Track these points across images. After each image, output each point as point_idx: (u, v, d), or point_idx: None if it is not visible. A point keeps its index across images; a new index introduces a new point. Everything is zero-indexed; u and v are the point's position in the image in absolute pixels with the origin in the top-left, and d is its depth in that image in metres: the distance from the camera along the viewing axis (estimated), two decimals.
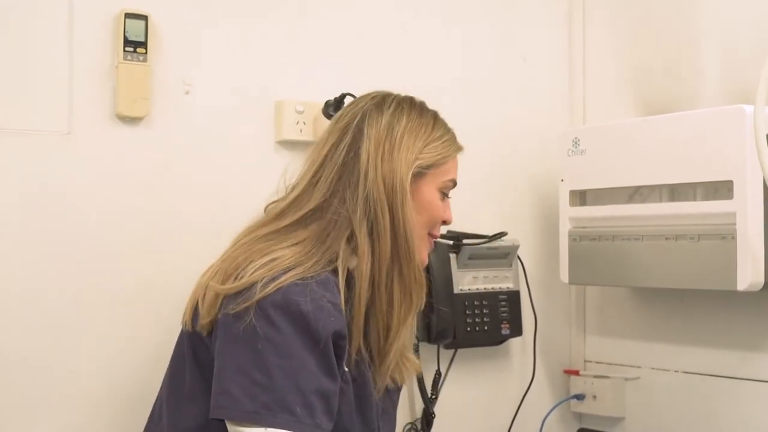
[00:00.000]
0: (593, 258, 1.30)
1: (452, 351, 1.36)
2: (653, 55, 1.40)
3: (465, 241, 1.33)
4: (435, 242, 1.14)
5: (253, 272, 0.86)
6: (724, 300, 1.28)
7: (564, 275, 1.35)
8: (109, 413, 1.10)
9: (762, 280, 1.13)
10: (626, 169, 1.27)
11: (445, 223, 0.99)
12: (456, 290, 1.32)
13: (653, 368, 1.39)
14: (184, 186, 1.16)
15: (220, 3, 1.20)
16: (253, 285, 0.85)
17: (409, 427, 1.33)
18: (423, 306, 0.98)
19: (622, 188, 1.29)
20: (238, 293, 0.86)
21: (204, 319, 0.89)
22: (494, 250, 1.35)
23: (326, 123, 1.08)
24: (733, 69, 1.28)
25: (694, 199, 1.21)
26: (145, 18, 1.11)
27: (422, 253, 0.95)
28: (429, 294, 1.14)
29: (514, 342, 1.43)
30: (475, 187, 1.38)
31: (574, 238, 1.33)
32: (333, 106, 1.21)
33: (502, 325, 1.35)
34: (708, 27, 1.31)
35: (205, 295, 0.89)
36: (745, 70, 1.24)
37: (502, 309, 1.35)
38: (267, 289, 0.84)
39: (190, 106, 1.17)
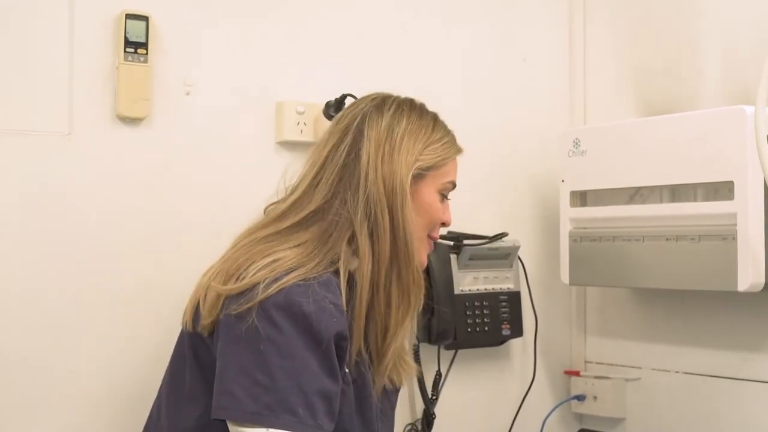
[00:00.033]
0: (594, 259, 1.30)
1: (453, 352, 1.36)
2: (653, 55, 1.40)
3: (465, 241, 1.33)
4: (435, 243, 1.14)
5: (255, 273, 0.86)
6: (725, 301, 1.28)
7: (564, 276, 1.35)
8: (109, 413, 1.10)
9: (763, 280, 1.13)
10: (627, 169, 1.27)
11: (444, 225, 0.99)
12: (456, 291, 1.32)
13: (654, 369, 1.39)
14: (184, 186, 1.16)
15: (221, 3, 1.20)
16: (255, 286, 0.85)
17: (409, 427, 1.33)
18: (421, 307, 0.97)
19: (623, 189, 1.29)
20: (240, 294, 0.86)
21: (205, 320, 0.89)
22: (495, 251, 1.35)
23: (327, 124, 1.08)
24: (734, 69, 1.28)
25: (695, 200, 1.21)
26: (145, 19, 1.11)
27: (421, 255, 0.95)
28: (427, 295, 1.14)
29: (515, 343, 1.42)
30: (475, 187, 1.38)
31: (575, 238, 1.33)
32: (334, 107, 1.21)
33: (503, 326, 1.35)
34: (708, 27, 1.31)
35: (206, 295, 0.89)
36: (746, 70, 1.23)
37: (503, 310, 1.35)
38: (269, 290, 0.84)
39: (190, 107, 1.17)
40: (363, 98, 1.00)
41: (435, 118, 0.98)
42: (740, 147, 1.12)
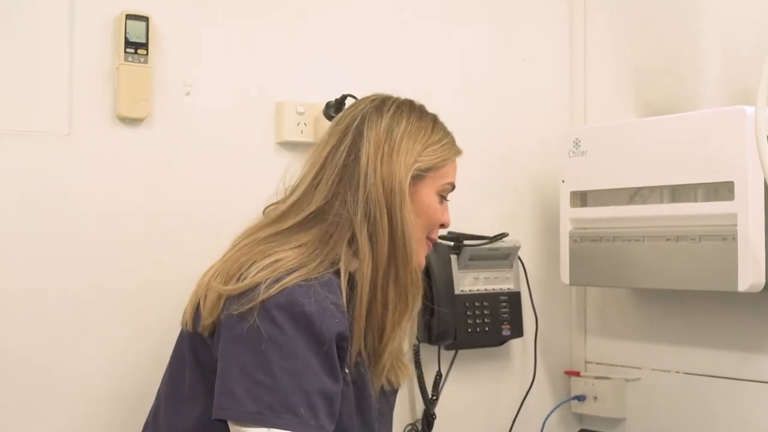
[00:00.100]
0: (594, 259, 1.30)
1: (453, 352, 1.36)
2: (653, 55, 1.40)
3: (466, 242, 1.33)
4: (435, 243, 1.14)
5: (257, 273, 0.86)
6: (725, 301, 1.28)
7: (565, 276, 1.35)
8: (109, 413, 1.10)
9: (763, 281, 1.13)
10: (627, 169, 1.27)
11: (443, 226, 0.99)
12: (457, 291, 1.32)
13: (654, 369, 1.39)
14: (184, 186, 1.16)
15: (221, 3, 1.20)
16: (256, 286, 0.85)
17: (409, 428, 1.32)
18: (419, 309, 0.97)
19: (623, 189, 1.29)
20: (242, 294, 0.86)
21: (206, 320, 0.88)
22: (495, 251, 1.35)
23: (327, 124, 1.08)
24: (734, 69, 1.28)
25: (695, 200, 1.21)
26: (146, 19, 1.11)
27: (419, 256, 0.95)
28: (426, 296, 1.14)
29: (515, 343, 1.42)
30: (475, 187, 1.38)
31: (575, 239, 1.33)
32: (334, 107, 1.21)
33: (503, 326, 1.35)
34: (708, 27, 1.31)
35: (206, 296, 0.89)
36: (746, 70, 1.23)
37: (503, 310, 1.35)
38: (271, 290, 0.84)
39: (190, 107, 1.16)
40: (363, 99, 1.00)
41: (434, 119, 0.98)
42: (740, 147, 1.12)
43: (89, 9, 1.10)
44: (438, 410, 1.33)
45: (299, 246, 0.89)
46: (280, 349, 0.83)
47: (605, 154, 1.30)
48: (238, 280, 0.87)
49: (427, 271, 1.27)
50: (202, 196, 1.17)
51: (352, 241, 0.91)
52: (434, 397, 1.33)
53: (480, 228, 1.36)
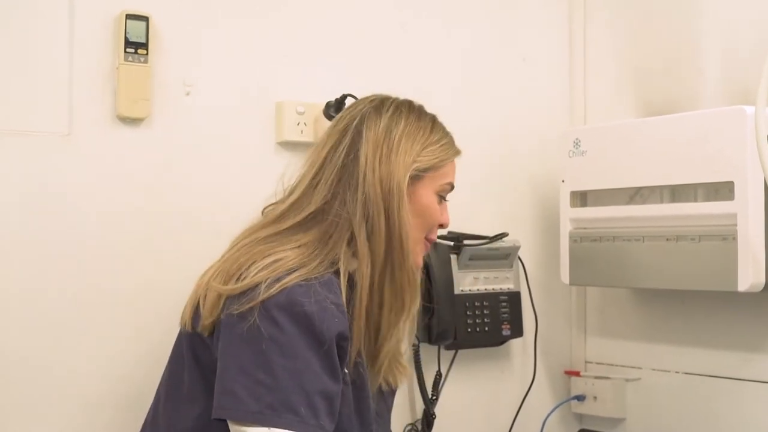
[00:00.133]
0: (594, 259, 1.30)
1: (453, 352, 1.36)
2: (653, 55, 1.40)
3: (466, 241, 1.33)
4: (435, 243, 1.14)
5: (257, 273, 0.86)
6: (725, 301, 1.28)
7: (565, 276, 1.35)
8: (109, 413, 1.10)
9: (763, 281, 1.13)
10: (627, 169, 1.27)
11: (442, 226, 0.99)
12: (457, 291, 1.32)
13: (654, 369, 1.39)
14: (184, 186, 1.16)
15: (221, 3, 1.20)
16: (257, 286, 0.85)
17: (409, 428, 1.32)
18: (416, 309, 0.97)
19: (623, 189, 1.29)
20: (242, 294, 0.86)
21: (206, 320, 0.88)
22: (495, 251, 1.35)
23: (327, 124, 1.08)
24: (734, 69, 1.28)
25: (695, 200, 1.21)
26: (145, 19, 1.11)
27: (417, 257, 0.95)
28: (426, 296, 1.14)
29: (515, 343, 1.42)
30: (475, 187, 1.38)
31: (575, 239, 1.33)
32: (334, 107, 1.21)
33: (503, 326, 1.35)
34: (708, 27, 1.31)
35: (206, 295, 0.89)
36: (746, 70, 1.23)
37: (503, 310, 1.35)
38: (271, 290, 0.84)
39: (190, 107, 1.16)
40: (362, 99, 1.00)
41: (433, 119, 0.98)
42: (740, 147, 1.12)
43: (89, 9, 1.10)
44: (438, 410, 1.33)
45: (299, 246, 0.89)
46: (280, 349, 0.83)
47: (605, 154, 1.30)
48: (238, 279, 0.87)
49: (427, 271, 1.27)
50: (202, 196, 1.17)
51: (352, 241, 0.91)
52: (434, 397, 1.33)
53: (480, 228, 1.36)
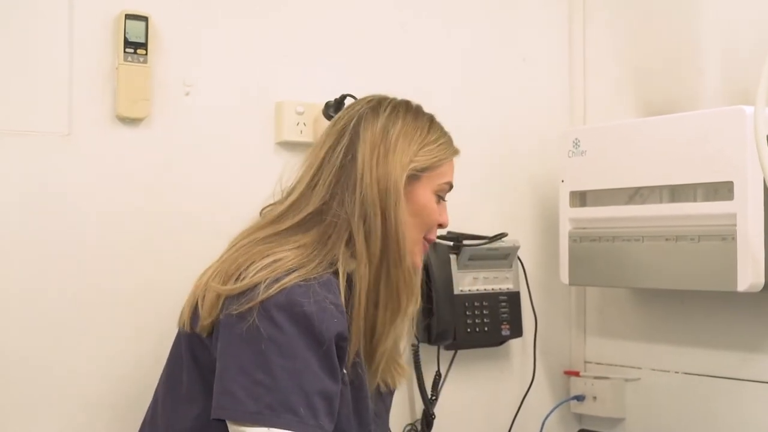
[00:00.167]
0: (593, 259, 1.30)
1: (452, 352, 1.36)
2: (653, 55, 1.40)
3: (465, 242, 1.33)
4: (435, 243, 1.14)
5: (256, 273, 0.86)
6: (725, 301, 1.28)
7: (564, 276, 1.35)
8: (109, 413, 1.10)
9: (762, 281, 1.13)
10: (626, 169, 1.27)
11: (441, 226, 0.99)
12: (456, 291, 1.32)
13: (653, 369, 1.39)
14: (184, 186, 1.16)
15: (220, 3, 1.20)
16: (256, 286, 0.85)
17: (409, 428, 1.33)
18: (414, 309, 0.97)
19: (623, 189, 1.29)
20: (241, 294, 0.86)
21: (204, 321, 0.89)
22: (494, 251, 1.35)
23: (326, 124, 1.08)
24: (734, 69, 1.28)
25: (695, 200, 1.21)
26: (145, 19, 1.11)
27: (415, 257, 0.95)
28: (424, 297, 1.14)
29: (515, 343, 1.43)
30: (475, 187, 1.38)
31: (575, 239, 1.33)
32: (333, 107, 1.21)
33: (503, 326, 1.35)
34: (708, 27, 1.31)
35: (205, 296, 0.89)
36: (746, 70, 1.24)
37: (503, 310, 1.35)
38: (270, 290, 0.84)
39: (190, 107, 1.17)
40: (360, 100, 1.00)
41: (431, 119, 0.98)
42: (740, 147, 1.12)
43: (89, 9, 1.10)
44: (437, 410, 1.33)
45: (298, 247, 0.89)
46: (279, 349, 0.83)
47: (605, 154, 1.30)
48: (236, 280, 0.87)
49: (427, 271, 1.27)
50: (201, 196, 1.17)
51: (350, 241, 0.91)
52: (434, 397, 1.33)
53: (480, 228, 1.36)
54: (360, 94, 1.05)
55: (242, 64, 1.21)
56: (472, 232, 1.34)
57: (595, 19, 1.50)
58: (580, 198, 1.35)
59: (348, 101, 1.17)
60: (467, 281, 1.34)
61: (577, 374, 1.46)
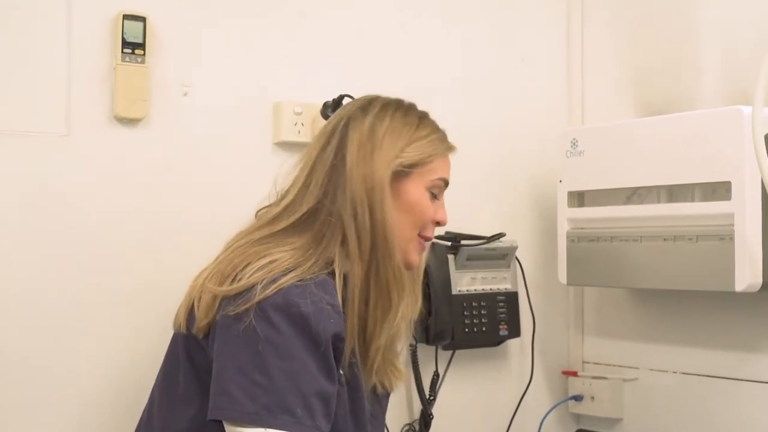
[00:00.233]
0: (591, 259, 1.30)
1: (450, 352, 1.36)
2: (653, 55, 1.40)
3: (463, 242, 1.33)
4: (433, 243, 1.14)
5: (252, 274, 0.86)
6: (722, 301, 1.29)
7: (562, 276, 1.35)
8: (109, 413, 1.10)
9: (760, 281, 1.13)
10: (624, 170, 1.27)
11: (439, 224, 0.98)
12: (454, 291, 1.32)
13: (651, 369, 1.39)
14: (182, 187, 1.16)
15: (219, 4, 1.20)
16: (252, 287, 0.85)
17: (407, 428, 1.33)
18: (406, 306, 0.96)
19: (621, 189, 1.29)
20: (238, 295, 0.86)
21: (201, 322, 0.89)
22: (492, 251, 1.35)
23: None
24: (733, 69, 1.28)
25: (693, 200, 1.21)
26: (143, 19, 1.11)
27: (410, 255, 0.94)
28: (422, 297, 1.13)
29: (513, 343, 1.43)
30: (474, 187, 1.38)
31: (573, 239, 1.33)
32: (331, 108, 1.21)
33: (501, 326, 1.35)
34: (708, 27, 1.31)
35: (201, 297, 0.89)
36: (745, 70, 1.23)
37: (500, 310, 1.36)
38: (267, 291, 0.84)
39: (188, 108, 1.17)
40: (353, 101, 1.00)
41: (422, 116, 0.97)
42: (738, 147, 1.12)
43: (87, 9, 1.10)
44: (435, 410, 1.33)
45: (294, 247, 0.89)
46: (276, 350, 0.84)
47: (603, 154, 1.30)
48: (233, 281, 0.87)
49: (425, 271, 1.27)
50: (200, 196, 1.17)
51: (345, 241, 0.91)
52: (431, 398, 1.33)
53: (479, 228, 1.36)
54: (359, 95, 1.05)
55: (240, 65, 1.21)
56: (472, 231, 1.34)
57: (594, 19, 1.50)
58: (578, 198, 1.35)
59: (346, 101, 1.17)
60: (465, 281, 1.34)
61: (575, 374, 1.46)
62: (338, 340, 0.88)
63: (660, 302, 1.38)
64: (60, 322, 1.08)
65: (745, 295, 1.17)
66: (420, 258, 0.97)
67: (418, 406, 1.33)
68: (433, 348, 1.34)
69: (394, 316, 0.93)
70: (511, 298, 1.37)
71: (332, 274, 0.90)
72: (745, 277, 1.12)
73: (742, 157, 1.12)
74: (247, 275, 0.86)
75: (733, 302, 1.27)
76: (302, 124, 1.23)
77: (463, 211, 1.27)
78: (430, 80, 1.36)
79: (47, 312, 1.07)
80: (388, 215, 0.90)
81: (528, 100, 1.47)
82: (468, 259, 1.34)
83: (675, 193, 1.25)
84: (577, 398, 1.44)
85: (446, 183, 0.98)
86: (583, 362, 1.49)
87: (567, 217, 1.34)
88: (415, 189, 0.94)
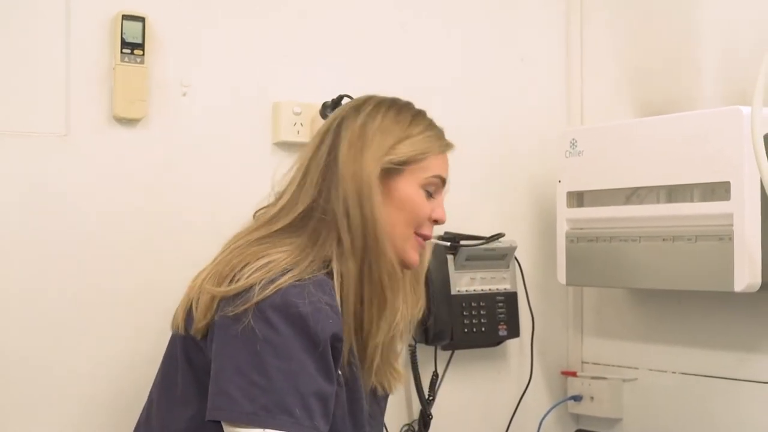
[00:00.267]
0: (590, 259, 1.30)
1: (449, 352, 1.36)
2: (652, 55, 1.40)
3: (462, 242, 1.33)
4: (434, 244, 1.13)
5: (250, 274, 0.86)
6: (722, 301, 1.29)
7: (561, 276, 1.35)
8: (109, 413, 1.11)
9: (759, 281, 1.13)
10: (624, 170, 1.27)
11: (437, 222, 0.97)
12: (453, 291, 1.32)
13: (650, 369, 1.39)
14: (182, 187, 1.16)
15: (219, 4, 1.20)
16: (251, 287, 0.85)
17: (406, 428, 1.33)
18: (420, 310, 0.97)
19: (620, 189, 1.29)
20: (236, 295, 0.86)
21: (199, 323, 0.89)
22: (492, 252, 1.35)
23: None
24: (733, 69, 1.28)
25: (692, 200, 1.21)
26: (142, 20, 1.11)
27: (407, 253, 0.94)
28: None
29: (512, 343, 1.43)
30: (474, 187, 1.38)
31: (572, 239, 1.33)
32: (330, 108, 1.21)
33: (500, 327, 1.36)
34: (708, 27, 1.31)
35: (199, 298, 0.89)
36: (745, 70, 1.23)
37: (500, 310, 1.36)
38: (266, 291, 0.85)
39: (187, 108, 1.17)
40: (349, 101, 1.00)
41: (416, 114, 0.97)
42: (737, 147, 1.12)
43: (86, 10, 1.10)
44: (435, 410, 1.33)
45: (291, 247, 0.89)
46: (275, 350, 0.84)
47: (602, 155, 1.30)
48: (231, 281, 0.88)
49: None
50: (199, 196, 1.17)
51: (341, 239, 0.91)
52: (431, 398, 1.33)
53: (479, 228, 1.36)
54: (358, 95, 1.05)
55: (239, 65, 1.21)
56: (471, 232, 1.34)
57: (594, 19, 1.50)
58: (578, 198, 1.35)
59: (345, 102, 1.17)
60: (464, 281, 1.34)
61: (574, 374, 1.46)
62: (336, 340, 0.88)
63: (659, 302, 1.38)
64: (60, 322, 1.08)
65: (745, 296, 1.17)
66: (419, 257, 0.96)
67: (417, 406, 1.33)
68: (432, 348, 1.34)
69: (391, 313, 0.93)
70: (511, 298, 1.37)
71: (330, 273, 0.90)
72: (745, 277, 1.12)
73: (741, 157, 1.12)
74: (245, 276, 0.87)
75: (733, 302, 1.27)
76: (301, 125, 1.23)
77: (463, 211, 1.27)
78: (430, 80, 1.36)
79: (47, 312, 1.08)
80: (377, 212, 0.90)
81: (528, 100, 1.47)
82: (467, 260, 1.34)
83: (674, 193, 1.25)
84: (577, 398, 1.44)
85: (443, 181, 0.97)
86: (583, 362, 1.49)
87: (566, 217, 1.34)
88: (408, 186, 0.93)
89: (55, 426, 1.08)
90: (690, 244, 1.18)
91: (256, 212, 0.98)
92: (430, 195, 0.96)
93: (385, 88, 1.02)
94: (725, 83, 1.29)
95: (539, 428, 1.42)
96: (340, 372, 0.90)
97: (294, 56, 1.25)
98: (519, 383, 1.43)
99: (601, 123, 1.42)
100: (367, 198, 0.90)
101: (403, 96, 1.01)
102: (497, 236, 1.36)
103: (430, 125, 0.97)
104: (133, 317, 1.12)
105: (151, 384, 0.98)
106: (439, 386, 1.35)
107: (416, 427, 1.33)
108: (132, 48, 1.10)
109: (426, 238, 0.97)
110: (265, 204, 0.97)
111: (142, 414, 0.98)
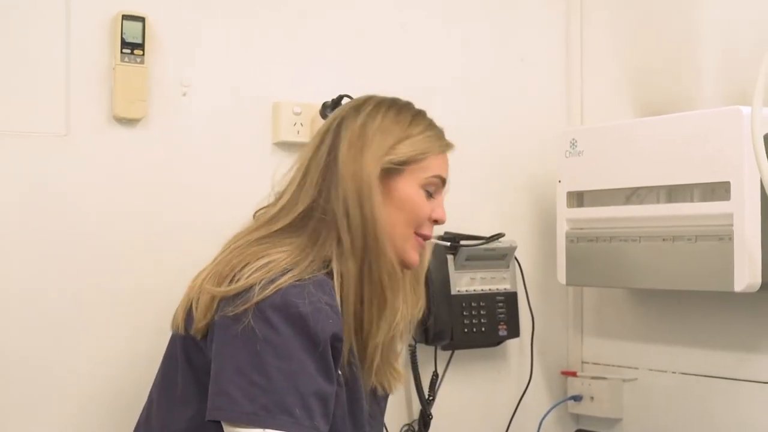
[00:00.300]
0: (590, 259, 1.31)
1: (449, 352, 1.36)
2: (652, 55, 1.40)
3: (462, 242, 1.33)
4: (435, 244, 1.13)
5: (251, 274, 0.86)
6: (722, 301, 1.29)
7: (561, 276, 1.35)
8: (109, 413, 1.11)
9: (759, 281, 1.13)
10: (624, 170, 1.27)
11: (437, 222, 0.97)
12: (453, 291, 1.32)
13: (650, 369, 1.39)
14: (182, 187, 1.16)
15: (218, 4, 1.20)
16: (251, 287, 0.85)
17: (406, 428, 1.33)
18: (420, 311, 0.97)
19: (620, 189, 1.29)
20: (236, 295, 0.86)
21: (199, 323, 0.89)
22: (491, 252, 1.36)
23: None
24: (733, 69, 1.28)
25: (692, 200, 1.21)
26: (142, 20, 1.11)
27: (407, 253, 0.94)
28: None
29: (512, 343, 1.43)
30: (474, 187, 1.38)
31: (572, 239, 1.33)
32: (330, 108, 1.21)
33: (500, 327, 1.36)
34: (708, 27, 1.31)
35: (199, 298, 0.89)
36: (745, 70, 1.23)
37: (500, 310, 1.36)
38: (266, 291, 0.85)
39: (187, 108, 1.17)
40: (349, 101, 1.00)
41: (416, 114, 0.97)
42: (737, 147, 1.13)
43: (86, 10, 1.10)
44: (435, 410, 1.33)
45: (291, 247, 0.90)
46: (275, 350, 0.84)
47: (602, 155, 1.30)
48: (231, 281, 0.88)
49: None
50: (199, 196, 1.17)
51: (340, 239, 0.91)
52: (431, 398, 1.33)
53: (479, 228, 1.36)
54: (358, 95, 1.05)
55: (239, 65, 1.21)
56: (471, 232, 1.35)
57: (594, 19, 1.50)
58: (578, 198, 1.35)
59: (345, 102, 1.17)
60: (464, 281, 1.34)
61: (574, 374, 1.46)
62: (336, 340, 0.88)
63: (659, 302, 1.38)
64: (60, 322, 1.08)
65: (745, 296, 1.17)
66: (419, 257, 0.96)
67: (417, 406, 1.33)
68: (432, 348, 1.34)
69: (391, 313, 0.93)
70: (511, 298, 1.37)
71: (330, 273, 0.90)
72: (744, 277, 1.12)
73: (741, 157, 1.12)
74: (245, 276, 0.87)
75: (733, 302, 1.27)
76: (301, 125, 1.23)
77: (463, 211, 1.27)
78: (430, 80, 1.36)
79: (47, 312, 1.08)
80: (377, 212, 0.90)
81: (527, 100, 1.47)
82: (467, 260, 1.34)
83: (674, 193, 1.25)
84: (577, 398, 1.44)
85: (443, 181, 0.98)
86: (583, 362, 1.50)
87: (566, 217, 1.34)
88: (408, 186, 0.93)
89: (55, 426, 1.08)
90: (690, 244, 1.18)
91: (256, 212, 0.98)
92: (430, 195, 0.96)
93: (385, 88, 1.02)
94: (725, 83, 1.29)
95: (539, 428, 1.42)
96: (340, 372, 0.90)
97: (294, 56, 1.25)
98: (519, 383, 1.43)
99: (601, 123, 1.42)
100: (367, 198, 0.90)
101: (403, 96, 1.01)
102: (497, 236, 1.36)
103: (430, 125, 0.97)
104: (132, 317, 1.12)
105: (151, 384, 0.98)
106: (439, 386, 1.35)
107: (416, 427, 1.33)
108: (132, 48, 1.10)
109: (426, 238, 0.97)
110: (265, 204, 0.98)
111: (142, 414, 0.98)
